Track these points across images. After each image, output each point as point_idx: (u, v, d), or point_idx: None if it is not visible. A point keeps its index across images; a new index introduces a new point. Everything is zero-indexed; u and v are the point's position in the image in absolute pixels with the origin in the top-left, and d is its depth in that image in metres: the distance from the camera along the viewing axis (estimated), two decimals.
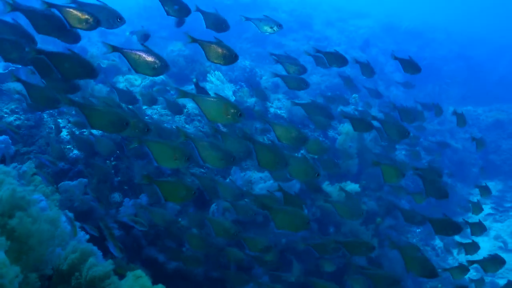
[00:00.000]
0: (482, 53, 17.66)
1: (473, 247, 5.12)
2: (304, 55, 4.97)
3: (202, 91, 4.71)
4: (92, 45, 10.57)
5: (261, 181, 4.98)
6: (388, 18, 19.22)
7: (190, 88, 7.01)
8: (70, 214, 2.63)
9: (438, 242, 8.49)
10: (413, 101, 7.61)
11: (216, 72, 6.04)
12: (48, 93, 3.24)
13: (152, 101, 5.17)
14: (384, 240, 5.77)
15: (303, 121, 6.26)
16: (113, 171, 4.20)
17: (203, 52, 3.36)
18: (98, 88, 5.28)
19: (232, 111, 2.97)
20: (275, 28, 4.02)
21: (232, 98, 5.99)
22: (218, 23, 3.73)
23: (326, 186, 5.40)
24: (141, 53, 3.00)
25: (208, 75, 6.22)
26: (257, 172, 5.03)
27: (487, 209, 10.21)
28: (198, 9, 3.75)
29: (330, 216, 5.39)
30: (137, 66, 3.00)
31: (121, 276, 2.17)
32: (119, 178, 4.26)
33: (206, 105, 3.02)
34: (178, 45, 8.98)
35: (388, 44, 16.76)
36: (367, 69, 5.18)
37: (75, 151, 4.16)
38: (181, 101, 6.05)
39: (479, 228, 5.12)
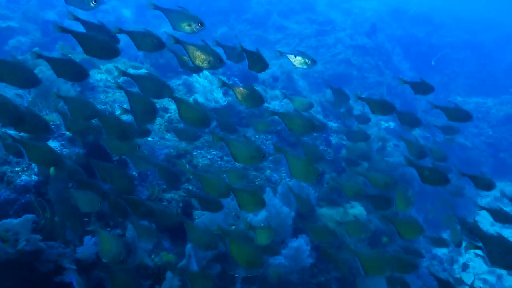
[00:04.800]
0: (491, 40, 16.78)
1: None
2: (307, 39, 4.53)
3: None
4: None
5: None
6: (394, 0, 18.22)
7: (177, 83, 6.22)
8: None
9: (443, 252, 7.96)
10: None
11: (205, 72, 5.26)
12: None
13: None
14: None
15: None
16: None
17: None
18: (65, 88, 4.51)
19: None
20: (309, 64, 3.85)
21: (222, 101, 5.20)
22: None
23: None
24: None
25: (194, 74, 5.43)
26: None
27: None
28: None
29: None
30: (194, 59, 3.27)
31: None
32: None
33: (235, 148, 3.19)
34: None
35: (395, 29, 15.84)
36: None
37: (24, 177, 3.39)
38: (164, 104, 5.33)
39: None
